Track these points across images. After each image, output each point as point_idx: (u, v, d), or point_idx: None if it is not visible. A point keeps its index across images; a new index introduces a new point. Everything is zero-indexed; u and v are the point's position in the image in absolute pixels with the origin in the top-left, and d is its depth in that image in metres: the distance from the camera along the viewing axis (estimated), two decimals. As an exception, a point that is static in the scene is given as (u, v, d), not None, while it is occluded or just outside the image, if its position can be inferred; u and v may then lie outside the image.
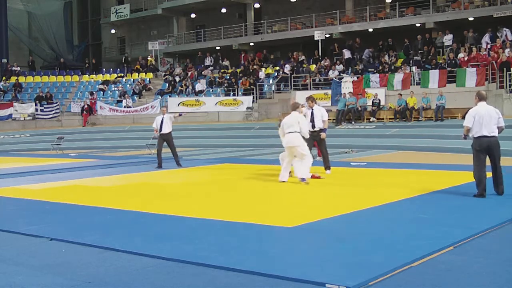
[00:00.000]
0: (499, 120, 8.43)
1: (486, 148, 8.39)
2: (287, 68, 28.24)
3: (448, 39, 25.40)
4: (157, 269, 4.98)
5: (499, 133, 8.47)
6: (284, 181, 10.77)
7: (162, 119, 14.71)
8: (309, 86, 26.59)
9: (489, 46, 23.17)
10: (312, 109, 12.16)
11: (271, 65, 30.40)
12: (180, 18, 38.28)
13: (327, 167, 12.11)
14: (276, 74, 28.83)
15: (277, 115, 26.51)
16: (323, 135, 12.21)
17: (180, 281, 4.64)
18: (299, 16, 32.37)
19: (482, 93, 8.78)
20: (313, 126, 12.07)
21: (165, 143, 14.85)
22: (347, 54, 28.06)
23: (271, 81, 28.60)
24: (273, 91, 27.98)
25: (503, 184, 8.60)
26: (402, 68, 24.27)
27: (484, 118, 8.33)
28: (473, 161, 8.51)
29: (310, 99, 12.47)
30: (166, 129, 14.65)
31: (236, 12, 36.20)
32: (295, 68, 28.13)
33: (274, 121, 25.89)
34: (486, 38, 23.94)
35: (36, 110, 30.05)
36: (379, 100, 23.15)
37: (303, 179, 10.44)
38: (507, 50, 21.64)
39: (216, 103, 28.14)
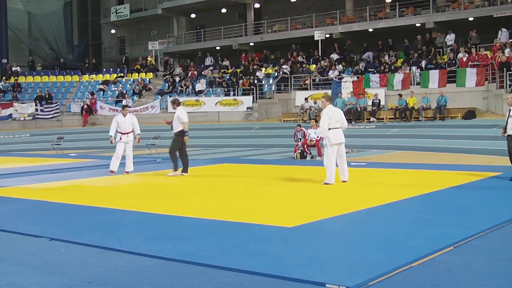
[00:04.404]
0: None
1: None
2: (286, 68, 28.21)
3: (450, 39, 25.36)
4: (157, 269, 4.97)
5: None
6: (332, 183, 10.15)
7: None
8: (309, 86, 26.58)
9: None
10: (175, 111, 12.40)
11: (271, 65, 30.39)
12: (180, 18, 38.28)
13: (185, 170, 12.42)
14: (276, 74, 28.82)
15: (277, 115, 26.56)
16: (186, 138, 12.30)
17: (180, 281, 4.64)
18: (299, 16, 32.37)
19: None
20: (172, 128, 12.34)
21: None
22: (335, 56, 28.06)
23: (271, 81, 28.59)
24: (273, 91, 27.97)
25: None
26: (402, 68, 24.27)
27: None
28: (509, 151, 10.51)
29: (172, 101, 12.77)
30: None
31: (236, 12, 36.20)
32: (292, 66, 28.03)
33: (275, 121, 25.94)
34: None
35: (36, 110, 30.05)
36: (379, 100, 23.15)
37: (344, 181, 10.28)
38: (507, 50, 21.62)
39: (216, 103, 28.13)
